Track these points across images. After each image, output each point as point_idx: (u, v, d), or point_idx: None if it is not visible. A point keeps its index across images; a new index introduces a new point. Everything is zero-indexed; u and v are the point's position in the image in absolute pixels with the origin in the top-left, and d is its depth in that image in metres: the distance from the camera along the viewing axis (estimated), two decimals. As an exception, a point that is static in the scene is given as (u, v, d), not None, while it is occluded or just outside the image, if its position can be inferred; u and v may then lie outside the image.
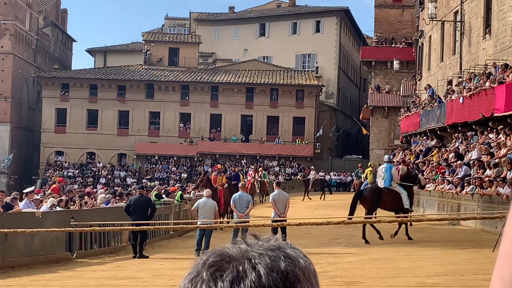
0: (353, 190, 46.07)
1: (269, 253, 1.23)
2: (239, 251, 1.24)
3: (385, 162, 21.59)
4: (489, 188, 22.49)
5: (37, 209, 18.84)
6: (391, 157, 24.73)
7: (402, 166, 25.78)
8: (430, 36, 47.34)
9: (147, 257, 18.67)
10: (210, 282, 1.19)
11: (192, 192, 32.57)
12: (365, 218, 19.84)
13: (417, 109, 43.12)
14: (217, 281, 1.19)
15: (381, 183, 20.80)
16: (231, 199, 19.62)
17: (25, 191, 21.22)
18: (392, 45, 57.95)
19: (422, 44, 50.82)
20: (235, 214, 19.49)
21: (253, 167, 45.83)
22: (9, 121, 66.39)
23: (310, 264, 1.27)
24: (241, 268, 1.19)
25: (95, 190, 31.93)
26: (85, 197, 23.84)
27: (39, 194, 22.92)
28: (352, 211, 20.08)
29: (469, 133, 30.82)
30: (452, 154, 30.42)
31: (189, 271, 1.24)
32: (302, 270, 1.23)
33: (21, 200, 19.93)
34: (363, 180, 34.23)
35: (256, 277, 1.18)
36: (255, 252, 1.23)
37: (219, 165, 32.27)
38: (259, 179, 40.38)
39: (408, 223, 20.30)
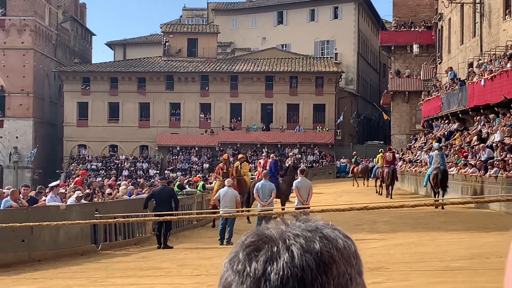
0: (351, 175, 46.28)
1: (305, 233, 1.22)
2: (277, 232, 1.24)
3: (436, 149, 27.47)
4: (513, 170, 22.31)
5: (63, 202, 19.01)
6: (440, 144, 30.98)
7: (389, 153, 33.34)
8: (449, 19, 46.92)
9: (171, 247, 18.79)
10: (246, 262, 1.21)
11: (214, 181, 32.61)
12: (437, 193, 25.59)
13: (438, 93, 42.82)
14: (252, 261, 1.20)
15: (436, 166, 25.72)
16: (254, 188, 19.62)
17: (50, 185, 21.45)
18: (411, 29, 57.49)
19: (442, 27, 50.39)
20: (258, 203, 19.49)
21: (264, 155, 42.03)
22: (32, 116, 66.90)
23: (351, 245, 1.25)
24: (275, 249, 1.20)
25: (118, 182, 32.11)
26: (108, 189, 24.02)
27: (63, 188, 23.12)
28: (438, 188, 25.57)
29: (491, 116, 30.56)
30: (475, 137, 30.20)
31: (231, 251, 1.26)
32: (340, 251, 1.22)
33: (46, 194, 20.13)
34: (375, 164, 38.38)
35: (289, 258, 1.18)
36: (291, 233, 1.23)
37: (225, 155, 29.84)
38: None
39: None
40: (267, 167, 26.39)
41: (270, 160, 28.06)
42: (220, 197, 18.86)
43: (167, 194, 19.15)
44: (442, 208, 23.18)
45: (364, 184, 43.29)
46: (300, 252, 1.19)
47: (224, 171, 25.38)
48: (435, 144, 30.50)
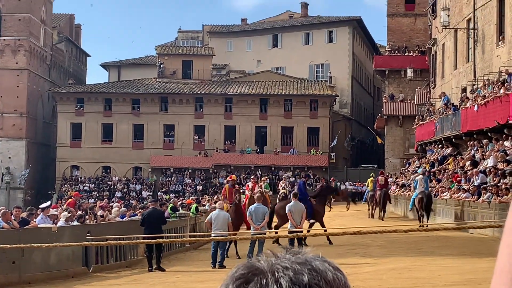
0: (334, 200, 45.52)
1: (294, 266, 1.22)
2: (267, 264, 1.24)
3: (421, 174, 29.56)
4: (505, 196, 22.33)
5: (53, 224, 18.90)
6: (424, 169, 32.92)
7: (381, 177, 35.05)
8: (443, 44, 47.21)
9: (164, 270, 18.67)
10: None
11: (208, 204, 32.47)
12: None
13: (431, 118, 42.96)
14: None
15: (420, 190, 27.58)
16: (247, 212, 19.52)
17: (41, 206, 21.33)
18: (405, 54, 57.81)
19: (436, 52, 50.69)
20: (251, 227, 19.38)
21: (252, 177, 39.22)
22: (25, 136, 66.79)
23: (341, 277, 1.25)
24: (264, 281, 1.20)
25: (111, 204, 31.98)
26: (100, 210, 23.91)
27: (55, 209, 23.00)
28: (422, 212, 27.16)
29: (484, 141, 30.65)
30: (468, 162, 30.25)
31: (222, 283, 1.26)
32: (329, 283, 1.22)
33: (36, 215, 20.01)
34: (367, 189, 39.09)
35: None
36: (280, 266, 1.23)
37: (233, 176, 29.84)
38: (258, 190, 31.64)
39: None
40: (295, 189, 25.65)
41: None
42: (212, 220, 18.75)
43: (157, 217, 19.11)
44: (425, 226, 23.67)
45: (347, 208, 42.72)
46: (289, 284, 1.19)
47: (238, 190, 25.14)
48: (420, 169, 32.43)
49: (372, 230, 14.74)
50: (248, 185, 32.31)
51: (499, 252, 1.11)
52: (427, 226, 23.37)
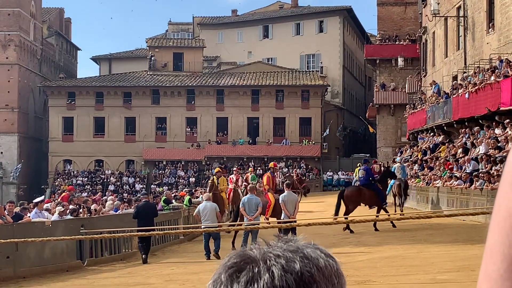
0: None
1: (286, 254, 1.23)
2: (259, 253, 1.25)
3: (398, 162, 32.04)
4: (497, 183, 22.42)
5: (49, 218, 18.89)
6: (401, 158, 35.02)
7: (376, 165, 35.04)
8: (433, 32, 47.27)
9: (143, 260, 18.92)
10: (228, 284, 1.22)
11: (201, 196, 32.40)
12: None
13: (423, 106, 43.04)
14: (233, 283, 1.21)
15: (399, 177, 28.98)
16: (240, 202, 19.53)
17: (34, 200, 21.32)
18: (396, 43, 57.84)
19: (426, 40, 50.74)
20: (244, 218, 19.40)
21: (235, 169, 36.74)
22: (17, 131, 66.58)
23: (333, 264, 1.26)
24: (256, 270, 1.21)
25: (104, 197, 31.99)
26: (94, 204, 23.91)
27: (49, 204, 22.99)
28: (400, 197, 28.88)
29: (475, 128, 30.74)
30: (459, 150, 30.35)
31: (215, 271, 1.27)
32: (321, 270, 1.23)
33: (30, 210, 20.00)
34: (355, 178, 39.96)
35: (269, 279, 1.19)
36: (272, 254, 1.24)
37: (272, 163, 30.33)
38: (243, 184, 29.50)
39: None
40: (360, 177, 26.32)
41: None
42: (200, 212, 18.77)
43: (150, 210, 19.20)
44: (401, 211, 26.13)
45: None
46: (281, 272, 1.20)
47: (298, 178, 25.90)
48: (398, 158, 34.47)
49: (365, 219, 14.82)
50: (231, 178, 29.48)
51: (489, 231, 1.14)
52: (401, 212, 24.57)
